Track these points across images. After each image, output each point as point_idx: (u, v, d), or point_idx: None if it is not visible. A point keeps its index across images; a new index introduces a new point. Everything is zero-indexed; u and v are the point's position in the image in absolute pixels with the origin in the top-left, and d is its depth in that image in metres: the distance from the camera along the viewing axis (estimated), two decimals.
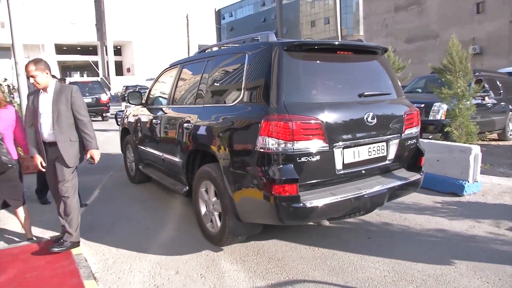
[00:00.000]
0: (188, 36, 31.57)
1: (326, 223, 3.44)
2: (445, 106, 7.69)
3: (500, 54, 25.21)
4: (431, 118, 8.46)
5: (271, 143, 3.01)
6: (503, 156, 8.43)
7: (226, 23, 78.02)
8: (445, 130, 5.91)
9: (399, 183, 3.66)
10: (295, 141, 3.01)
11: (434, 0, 29.82)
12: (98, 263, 3.59)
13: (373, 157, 3.54)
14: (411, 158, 3.95)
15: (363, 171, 3.53)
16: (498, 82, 10.74)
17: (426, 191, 5.56)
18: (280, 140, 2.99)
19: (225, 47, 4.49)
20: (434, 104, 8.38)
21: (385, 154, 3.64)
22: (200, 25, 45.23)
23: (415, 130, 3.92)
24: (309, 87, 3.33)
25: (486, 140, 10.69)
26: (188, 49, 30.91)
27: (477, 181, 5.53)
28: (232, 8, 76.96)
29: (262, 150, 3.06)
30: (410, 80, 11.59)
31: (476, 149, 5.46)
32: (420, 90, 10.31)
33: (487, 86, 10.20)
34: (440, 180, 5.63)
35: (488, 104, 9.93)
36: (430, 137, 7.64)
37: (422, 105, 8.77)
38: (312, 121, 3.09)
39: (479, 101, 9.73)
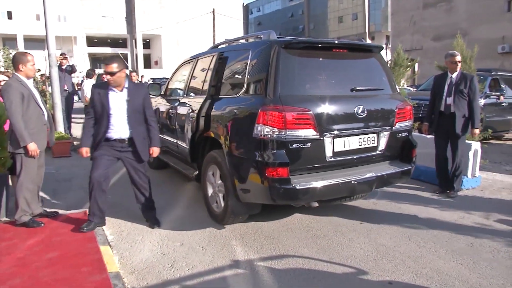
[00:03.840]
0: (214, 31, 32.13)
1: (315, 204, 3.78)
2: None
3: None
4: None
5: (266, 131, 3.38)
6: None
7: (254, 17, 78.31)
8: None
9: (388, 172, 3.97)
10: (287, 129, 3.37)
11: None
12: (114, 234, 4.07)
13: (363, 147, 3.86)
14: (403, 149, 4.24)
15: (354, 159, 3.86)
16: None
17: (426, 184, 5.82)
18: (274, 128, 3.36)
19: (234, 44, 4.87)
20: None
21: (375, 144, 3.95)
22: (228, 19, 45.71)
23: (407, 123, 4.20)
24: (303, 81, 3.69)
25: (502, 139, 10.74)
26: (214, 43, 31.32)
27: (476, 176, 5.74)
28: (260, 3, 77.16)
29: (258, 136, 3.44)
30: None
31: (475, 145, 5.67)
32: None
33: (503, 85, 10.23)
34: None
35: (503, 104, 9.96)
36: None
37: None
38: (304, 112, 3.45)
39: (494, 101, 9.82)
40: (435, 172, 5.54)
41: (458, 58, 5.24)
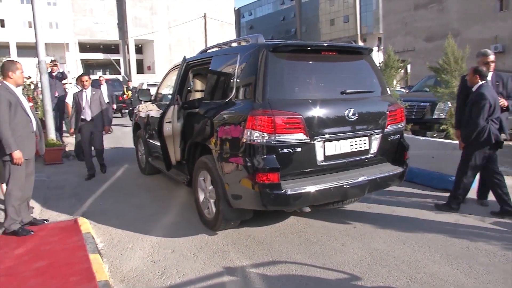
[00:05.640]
0: (206, 35, 32.12)
1: (307, 209, 3.74)
2: (450, 105, 7.69)
3: None
4: (435, 116, 8.54)
5: (255, 136, 3.33)
6: (510, 156, 8.49)
7: (245, 21, 78.52)
8: (441, 128, 6.09)
9: (380, 175, 3.92)
10: (277, 134, 3.33)
11: None
12: (104, 241, 4.01)
13: (355, 150, 3.82)
14: (395, 152, 4.20)
15: (346, 163, 3.82)
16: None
17: (421, 187, 5.79)
18: (263, 133, 3.31)
19: (223, 48, 4.82)
20: (439, 103, 8.43)
21: (367, 147, 3.91)
22: (220, 23, 45.79)
23: (398, 125, 4.16)
24: (292, 85, 3.65)
25: None
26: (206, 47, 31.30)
27: None
28: (251, 6, 77.40)
29: (248, 142, 3.39)
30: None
31: None
32: (428, 90, 10.39)
33: None
34: (435, 177, 5.81)
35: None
36: (435, 135, 7.72)
37: (428, 104, 8.87)
38: (293, 116, 3.40)
39: None
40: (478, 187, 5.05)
41: (491, 57, 4.70)
